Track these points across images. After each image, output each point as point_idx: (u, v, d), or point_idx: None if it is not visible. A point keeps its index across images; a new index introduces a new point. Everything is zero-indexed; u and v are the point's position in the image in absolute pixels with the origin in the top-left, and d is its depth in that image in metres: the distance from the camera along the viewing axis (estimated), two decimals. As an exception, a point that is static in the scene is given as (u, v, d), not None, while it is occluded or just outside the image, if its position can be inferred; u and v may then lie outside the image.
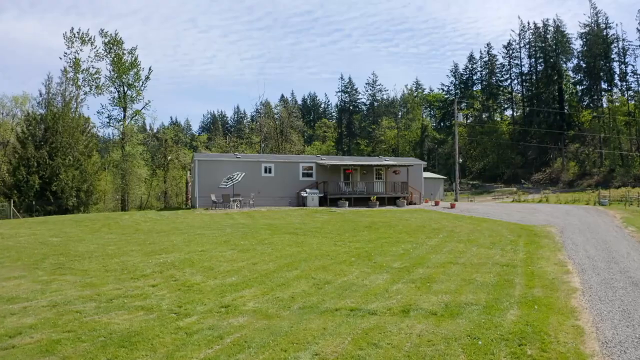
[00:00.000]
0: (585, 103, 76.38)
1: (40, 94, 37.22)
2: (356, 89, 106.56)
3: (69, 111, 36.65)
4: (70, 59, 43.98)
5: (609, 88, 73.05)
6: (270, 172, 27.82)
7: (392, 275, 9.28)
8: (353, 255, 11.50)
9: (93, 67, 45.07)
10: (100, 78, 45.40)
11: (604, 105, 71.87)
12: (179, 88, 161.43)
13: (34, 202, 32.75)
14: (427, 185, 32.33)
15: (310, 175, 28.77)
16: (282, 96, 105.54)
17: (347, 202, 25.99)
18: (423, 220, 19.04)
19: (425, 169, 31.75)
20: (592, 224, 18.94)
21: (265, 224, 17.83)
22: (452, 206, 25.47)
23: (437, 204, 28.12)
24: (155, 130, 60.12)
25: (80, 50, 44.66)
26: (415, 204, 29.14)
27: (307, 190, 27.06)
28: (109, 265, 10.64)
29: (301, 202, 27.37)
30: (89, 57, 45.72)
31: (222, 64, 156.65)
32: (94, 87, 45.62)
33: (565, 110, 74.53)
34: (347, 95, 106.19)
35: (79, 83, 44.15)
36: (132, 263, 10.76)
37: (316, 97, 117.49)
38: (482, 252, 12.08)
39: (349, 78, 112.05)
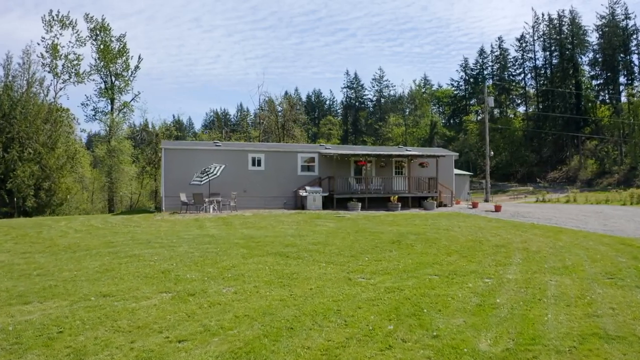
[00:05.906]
0: (602, 98, 71.38)
1: (-3, 76, 31.85)
2: (362, 84, 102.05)
3: (30, 97, 31.32)
4: (48, 44, 38.59)
5: (629, 82, 69.21)
6: (259, 164, 22.01)
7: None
8: (386, 309, 5.98)
9: (74, 54, 39.71)
10: (80, 65, 40.05)
11: (623, 100, 67.23)
12: (183, 87, 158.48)
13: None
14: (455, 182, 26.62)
15: (311, 169, 23.02)
16: (286, 93, 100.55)
17: (359, 204, 20.35)
18: (471, 230, 13.39)
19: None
20: None
21: (244, 236, 12.29)
22: (497, 209, 19.49)
23: (474, 205, 22.13)
24: (153, 127, 54.67)
25: (61, 34, 39.38)
26: (445, 205, 23.27)
27: (308, 188, 21.37)
28: None
29: (299, 203, 21.72)
30: (69, 42, 40.49)
31: (226, 64, 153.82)
32: (73, 74, 40.23)
33: (582, 106, 69.27)
34: (352, 91, 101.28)
35: (57, 70, 38.81)
36: (-49, 327, 5.35)
37: (321, 94, 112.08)
38: (619, 296, 6.57)
39: (355, 73, 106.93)
